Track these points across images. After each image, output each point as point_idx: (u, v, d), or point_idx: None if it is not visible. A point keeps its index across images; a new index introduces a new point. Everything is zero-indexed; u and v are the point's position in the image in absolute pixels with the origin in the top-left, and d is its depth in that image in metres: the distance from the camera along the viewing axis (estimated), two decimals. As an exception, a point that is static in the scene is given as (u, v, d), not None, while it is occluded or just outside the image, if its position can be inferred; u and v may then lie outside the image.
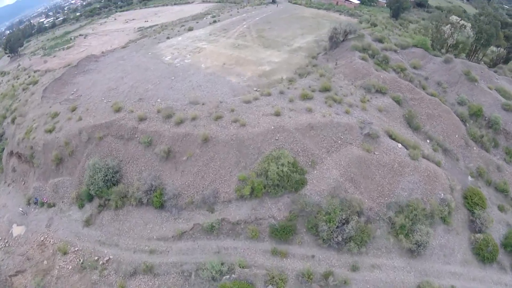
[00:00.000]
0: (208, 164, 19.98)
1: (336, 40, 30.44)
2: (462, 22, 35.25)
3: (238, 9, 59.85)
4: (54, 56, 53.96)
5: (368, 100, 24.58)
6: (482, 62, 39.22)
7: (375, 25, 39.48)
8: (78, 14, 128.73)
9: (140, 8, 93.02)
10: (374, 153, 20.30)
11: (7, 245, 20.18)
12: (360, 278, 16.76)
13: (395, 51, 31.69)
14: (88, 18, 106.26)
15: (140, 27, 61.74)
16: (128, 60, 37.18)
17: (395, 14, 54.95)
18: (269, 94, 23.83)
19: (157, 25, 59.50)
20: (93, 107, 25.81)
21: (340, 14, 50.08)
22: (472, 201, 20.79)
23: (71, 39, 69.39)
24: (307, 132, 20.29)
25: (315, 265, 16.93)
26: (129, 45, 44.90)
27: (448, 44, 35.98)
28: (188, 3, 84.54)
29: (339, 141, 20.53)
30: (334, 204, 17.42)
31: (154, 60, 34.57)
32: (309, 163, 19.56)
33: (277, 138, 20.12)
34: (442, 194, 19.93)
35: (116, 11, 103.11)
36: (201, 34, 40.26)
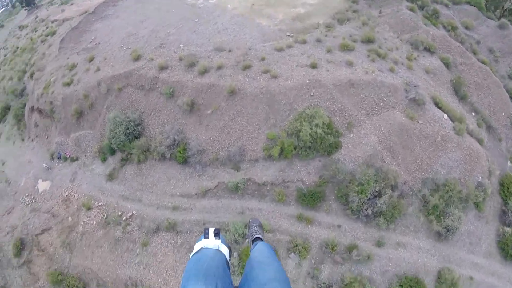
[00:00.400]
0: (234, 119, 17.93)
1: None
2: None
3: None
4: (72, 4, 50.86)
5: (415, 58, 20.94)
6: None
7: None
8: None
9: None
10: (418, 122, 17.62)
11: (33, 201, 20.18)
12: (383, 255, 15.70)
13: (446, 5, 26.40)
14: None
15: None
16: (147, 2, 33.84)
17: None
18: (304, 42, 20.45)
19: None
20: (111, 55, 23.72)
21: None
22: (508, 190, 18.76)
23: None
24: (346, 89, 17.25)
25: (340, 235, 15.83)
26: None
27: (504, 8, 29.87)
28: None
29: (381, 104, 17.48)
30: (369, 175, 15.59)
31: (176, 2, 30.93)
32: (346, 125, 17.12)
33: (312, 94, 17.46)
34: (480, 177, 17.75)
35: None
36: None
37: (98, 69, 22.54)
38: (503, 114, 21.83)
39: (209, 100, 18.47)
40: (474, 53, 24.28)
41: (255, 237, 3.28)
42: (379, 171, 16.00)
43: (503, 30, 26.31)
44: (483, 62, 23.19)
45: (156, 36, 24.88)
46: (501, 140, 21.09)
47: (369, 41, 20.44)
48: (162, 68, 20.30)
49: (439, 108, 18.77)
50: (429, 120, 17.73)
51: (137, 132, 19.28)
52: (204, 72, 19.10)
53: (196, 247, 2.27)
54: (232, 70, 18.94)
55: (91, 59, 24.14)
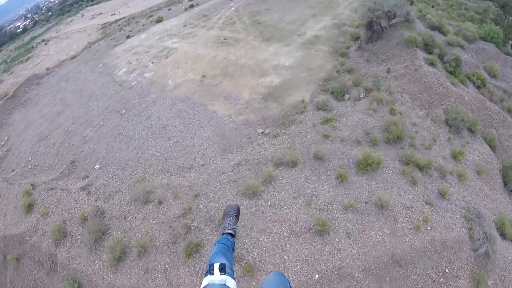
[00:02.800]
0: None
1: (378, 29, 17.06)
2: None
3: (222, -13, 45.53)
4: (11, 73, 41.08)
5: (461, 153, 12.14)
6: None
7: (411, 2, 26.10)
8: (50, 14, 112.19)
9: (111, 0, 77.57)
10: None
11: None
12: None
13: (462, 46, 18.32)
14: (59, 17, 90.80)
15: (104, 23, 47.78)
16: (72, 80, 24.66)
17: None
18: (293, 163, 10.64)
19: (123, 18, 45.78)
20: (6, 189, 14.38)
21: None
22: None
23: (33, 46, 55.81)
24: (387, 272, 8.56)
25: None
26: (82, 52, 32.25)
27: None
28: (164, -13, 69.20)
29: (442, 279, 8.81)
30: None
31: (104, 78, 22.11)
32: None
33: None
34: None
35: (87, 6, 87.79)
36: (173, 26, 27.33)
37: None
38: None
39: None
40: (509, 111, 17.06)
41: (225, 232, 2.75)
42: None
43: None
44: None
45: (69, 145, 15.61)
46: None
47: (397, 137, 11.37)
48: (58, 238, 10.49)
49: (506, 239, 9.91)
50: (500, 276, 9.60)
51: None
52: (119, 258, 9.23)
53: (203, 283, 2.22)
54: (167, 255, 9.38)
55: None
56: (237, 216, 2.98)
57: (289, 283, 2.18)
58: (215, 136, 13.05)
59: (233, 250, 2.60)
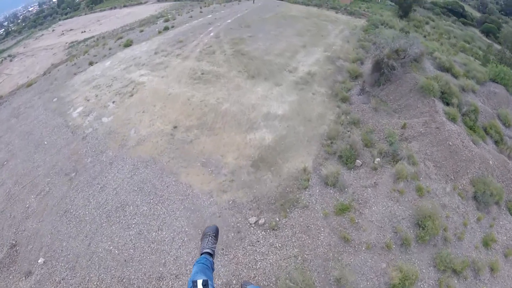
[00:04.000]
0: None
1: (387, 71, 13.92)
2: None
3: (201, 7, 42.06)
4: None
5: (493, 240, 9.44)
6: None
7: (407, 32, 24.00)
8: (23, 25, 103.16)
9: (85, 14, 71.62)
10: None
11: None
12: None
13: (474, 91, 15.79)
14: (31, 29, 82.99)
15: (72, 42, 42.52)
16: (23, 117, 19.60)
17: (405, 12, 36.35)
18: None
19: (93, 37, 40.86)
20: None
21: (337, 12, 33.86)
22: None
23: (-2, 61, 49.06)
24: None
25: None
26: (40, 79, 27.19)
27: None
28: (141, 3, 64.27)
29: None
30: None
31: (56, 119, 17.35)
32: None
33: None
34: None
35: (60, 19, 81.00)
36: (143, 53, 23.15)
37: None
38: None
39: None
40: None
41: (204, 251, 2.72)
42: None
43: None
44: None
45: (10, 216, 10.90)
46: None
47: (433, 233, 8.34)
48: None
49: None
50: None
51: None
52: None
53: None
54: None
55: None
56: (215, 236, 2.82)
57: None
58: (191, 226, 9.17)
59: (212, 269, 2.47)
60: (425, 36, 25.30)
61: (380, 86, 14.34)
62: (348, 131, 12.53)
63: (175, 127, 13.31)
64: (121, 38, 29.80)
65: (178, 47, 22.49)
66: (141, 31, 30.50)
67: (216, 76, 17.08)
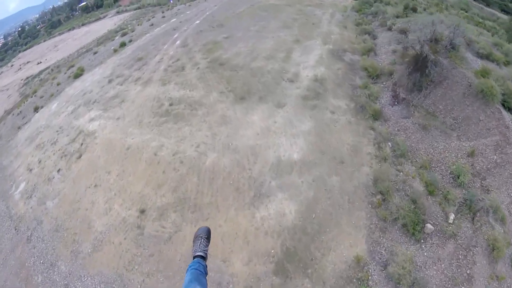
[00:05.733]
0: None
1: (432, 70, 8.78)
2: None
3: (163, 11, 35.68)
4: None
5: None
6: None
7: (413, 8, 18.32)
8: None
9: (44, 41, 63.92)
10: None
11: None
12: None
13: None
14: (-9, 65, 74.80)
15: (28, 77, 36.14)
16: None
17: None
18: None
19: (49, 67, 34.52)
20: None
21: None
22: None
23: None
24: None
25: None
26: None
27: None
28: (99, 18, 56.73)
29: None
30: None
31: None
32: None
33: None
34: None
35: (20, 51, 73.02)
36: (94, 84, 16.73)
37: None
38: None
39: None
40: None
41: (196, 254, 2.44)
42: None
43: None
44: None
45: None
46: None
47: None
48: None
49: None
50: None
51: None
52: None
53: None
54: None
55: None
56: (208, 238, 2.57)
57: None
58: None
59: (206, 274, 2.29)
60: (425, 9, 20.11)
61: (421, 90, 9.37)
62: (399, 170, 7.73)
63: (142, 211, 8.16)
64: (72, 66, 23.85)
65: (137, 68, 16.90)
66: (95, 52, 24.52)
67: (190, 106, 11.78)
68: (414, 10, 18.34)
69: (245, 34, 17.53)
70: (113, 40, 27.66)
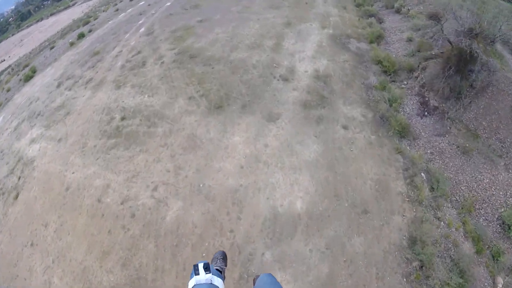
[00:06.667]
0: None
1: (480, 74, 5.98)
2: None
3: (133, -7, 30.68)
4: None
5: None
6: None
7: None
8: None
9: (12, 35, 57.69)
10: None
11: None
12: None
13: None
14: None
15: (-12, 79, 31.93)
16: None
17: None
18: None
19: (10, 66, 30.17)
20: None
21: None
22: None
23: None
24: None
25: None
26: None
27: None
28: (69, 6, 50.51)
29: None
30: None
31: None
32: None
33: None
34: None
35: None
36: (42, 90, 13.14)
37: None
38: None
39: None
40: None
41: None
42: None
43: None
44: None
45: None
46: None
47: None
48: None
49: None
50: None
51: None
52: None
53: (190, 285, 1.86)
54: None
55: None
56: (223, 259, 2.49)
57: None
58: None
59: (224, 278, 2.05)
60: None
61: (460, 99, 6.42)
62: (439, 218, 5.03)
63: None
64: (27, 66, 19.96)
65: (91, 66, 13.33)
66: (52, 47, 20.52)
67: (147, 120, 8.60)
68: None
69: (224, 16, 13.90)
70: (74, 30, 23.43)
